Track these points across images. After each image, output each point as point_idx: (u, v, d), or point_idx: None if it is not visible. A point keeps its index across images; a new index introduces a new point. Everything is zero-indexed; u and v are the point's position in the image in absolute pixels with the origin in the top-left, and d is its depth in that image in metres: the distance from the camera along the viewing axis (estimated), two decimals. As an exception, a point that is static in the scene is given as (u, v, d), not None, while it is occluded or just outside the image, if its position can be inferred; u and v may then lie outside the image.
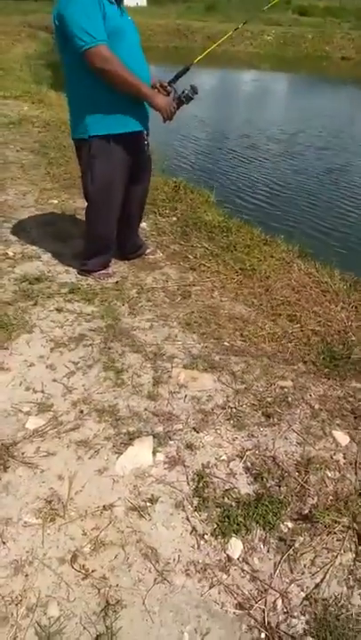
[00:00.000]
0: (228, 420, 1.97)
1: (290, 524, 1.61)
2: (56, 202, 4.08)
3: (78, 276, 2.97)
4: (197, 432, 1.90)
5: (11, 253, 3.17)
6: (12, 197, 4.08)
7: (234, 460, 1.82)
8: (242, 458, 1.82)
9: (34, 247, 3.28)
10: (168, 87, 2.54)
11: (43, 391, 2.07)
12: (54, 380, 2.14)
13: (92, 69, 2.23)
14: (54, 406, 2.00)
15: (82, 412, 1.97)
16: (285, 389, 2.15)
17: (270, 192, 6.13)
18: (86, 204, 2.82)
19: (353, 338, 2.55)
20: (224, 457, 1.82)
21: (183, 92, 2.52)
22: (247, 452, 1.84)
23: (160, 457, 1.80)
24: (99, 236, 2.87)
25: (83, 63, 2.23)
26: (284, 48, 23.36)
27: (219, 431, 1.92)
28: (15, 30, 19.98)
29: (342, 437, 1.95)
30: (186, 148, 7.70)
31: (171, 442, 1.86)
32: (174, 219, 3.93)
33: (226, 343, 2.43)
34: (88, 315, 2.60)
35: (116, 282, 2.93)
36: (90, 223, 2.84)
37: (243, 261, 3.24)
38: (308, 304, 2.85)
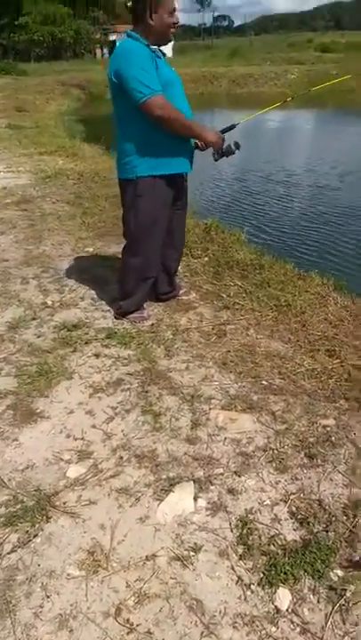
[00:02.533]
0: (269, 462, 1.93)
1: (340, 572, 1.54)
2: (92, 249, 4.22)
3: (115, 320, 3.04)
4: (239, 476, 1.87)
5: (50, 302, 3.29)
6: (49, 248, 4.25)
7: (278, 504, 1.77)
8: (286, 502, 1.77)
9: (71, 295, 3.39)
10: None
11: (83, 438, 2.10)
12: (94, 427, 2.16)
13: (151, 117, 2.42)
14: (94, 453, 2.01)
15: (121, 458, 1.98)
16: (328, 428, 2.10)
17: (302, 228, 6.15)
18: (124, 244, 2.93)
19: (396, 371, 2.47)
20: (268, 502, 1.77)
21: (228, 145, 2.70)
22: (291, 496, 1.79)
23: (202, 503, 1.77)
24: (136, 274, 2.92)
25: (137, 112, 2.43)
26: (309, 85, 23.72)
27: (261, 474, 1.87)
28: (49, 89, 21.30)
29: (392, 477, 1.87)
30: (215, 189, 7.87)
31: (212, 487, 1.83)
32: (206, 259, 3.99)
33: (264, 382, 2.41)
34: (125, 359, 2.64)
35: (152, 324, 2.98)
36: (128, 261, 2.92)
37: (277, 298, 3.24)
38: (346, 338, 2.80)
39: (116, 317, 3.05)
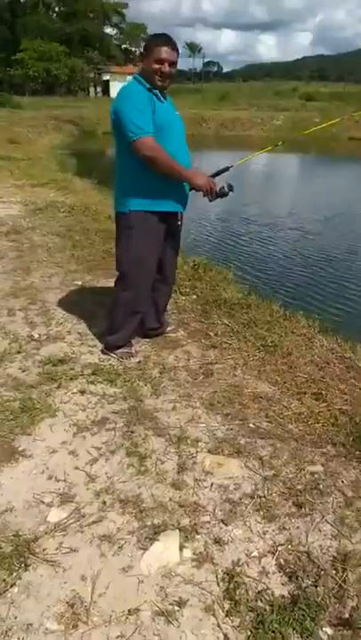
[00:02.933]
0: (257, 510, 1.87)
1: (329, 631, 1.48)
2: (80, 283, 4.20)
3: (102, 356, 2.99)
4: (226, 525, 1.81)
5: (36, 335, 3.23)
6: (38, 280, 4.22)
7: (265, 556, 1.71)
8: (274, 554, 1.71)
9: (58, 328, 3.34)
10: None
11: (65, 480, 2.02)
12: (77, 468, 2.09)
13: (139, 157, 2.47)
14: (77, 497, 1.94)
15: (105, 502, 1.90)
16: (316, 475, 2.06)
17: (286, 269, 6.27)
18: (115, 277, 2.93)
19: (382, 417, 2.46)
20: (255, 553, 1.71)
21: (222, 187, 2.72)
22: (279, 548, 1.73)
23: (187, 553, 1.70)
24: (125, 308, 2.91)
25: (131, 150, 2.48)
26: (293, 131, 24.60)
27: (248, 523, 1.82)
28: (42, 123, 21.69)
29: (380, 529, 1.83)
30: (202, 228, 7.98)
31: (198, 536, 1.76)
32: (194, 297, 4.00)
33: (251, 425, 2.37)
34: (111, 396, 2.58)
35: (139, 362, 2.94)
36: (118, 294, 2.91)
37: (264, 338, 3.24)
38: (333, 381, 2.79)
39: (103, 352, 3.01)
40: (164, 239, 2.83)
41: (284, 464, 2.12)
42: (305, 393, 2.66)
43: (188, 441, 2.24)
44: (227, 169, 2.90)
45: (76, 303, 3.75)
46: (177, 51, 2.54)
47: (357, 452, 2.21)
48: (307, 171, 19.22)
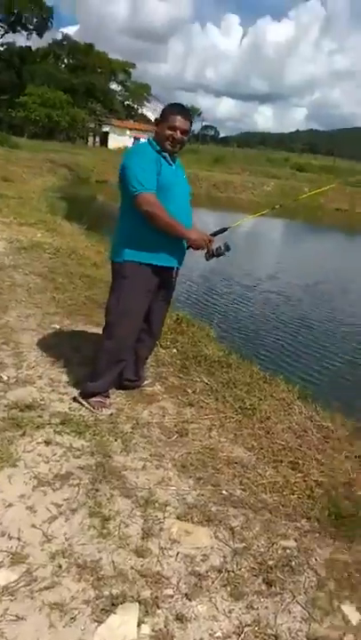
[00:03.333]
0: (224, 586, 1.77)
1: None
2: (58, 327, 4.15)
3: (72, 405, 2.91)
4: (190, 600, 1.70)
5: (5, 377, 3.14)
6: (13, 319, 4.16)
7: (230, 637, 1.60)
8: (240, 635, 1.61)
9: (29, 372, 3.26)
10: None
11: (19, 538, 1.90)
12: (33, 526, 1.97)
13: (139, 211, 2.59)
14: (30, 557, 1.81)
15: (60, 566, 1.78)
16: (288, 551, 1.98)
17: (268, 330, 6.34)
18: (97, 324, 2.90)
19: (359, 492, 2.41)
20: (219, 633, 1.61)
21: (218, 247, 2.83)
22: (246, 629, 1.63)
23: (146, 629, 1.58)
24: (107, 355, 2.88)
25: (133, 204, 2.60)
26: (282, 198, 25.65)
27: (214, 600, 1.72)
28: (38, 165, 22.21)
29: (353, 613, 1.75)
30: (187, 283, 8.08)
31: (159, 611, 1.65)
32: (175, 351, 3.98)
33: (224, 491, 2.29)
34: (78, 450, 2.48)
35: (111, 414, 2.86)
36: (103, 342, 2.90)
37: (242, 400, 3.21)
38: (310, 451, 2.75)
39: (75, 399, 2.94)
40: (157, 293, 2.87)
41: (256, 536, 2.04)
42: (281, 461, 2.60)
43: (157, 504, 2.15)
44: (224, 230, 3.02)
45: (51, 347, 3.69)
46: (190, 120, 2.73)
47: (332, 529, 2.15)
48: (293, 236, 19.94)
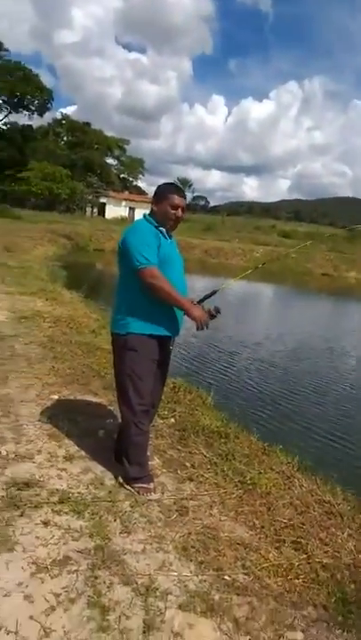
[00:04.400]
0: None
1: None
2: (57, 397, 4.09)
3: (70, 482, 2.81)
4: None
5: (4, 452, 3.05)
6: (13, 391, 4.10)
7: None
8: None
9: (28, 447, 3.16)
10: (197, 305, 2.87)
11: (17, 632, 1.77)
12: (31, 618, 1.84)
13: (144, 284, 2.64)
14: (26, 656, 1.68)
15: (58, 667, 1.65)
16: (296, 645, 1.84)
17: (265, 396, 6.27)
18: (119, 398, 2.90)
19: (365, 575, 2.29)
20: None
21: (209, 311, 2.84)
22: None
23: None
24: (135, 431, 2.80)
25: (135, 278, 2.66)
26: (270, 264, 26.51)
27: None
28: (39, 235, 22.76)
29: None
30: (183, 349, 8.07)
31: None
32: (172, 420, 3.90)
33: (227, 577, 2.17)
34: (76, 531, 2.36)
35: (109, 492, 2.75)
36: (128, 418, 2.82)
37: (242, 473, 3.11)
38: (312, 528, 2.64)
39: (120, 484, 2.83)
40: (158, 362, 2.86)
41: (262, 628, 1.91)
42: (284, 541, 2.49)
43: (158, 593, 2.02)
44: (214, 293, 3.06)
45: (50, 419, 3.61)
46: (185, 197, 2.85)
47: (340, 618, 2.02)
48: (283, 301, 20.24)
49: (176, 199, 2.74)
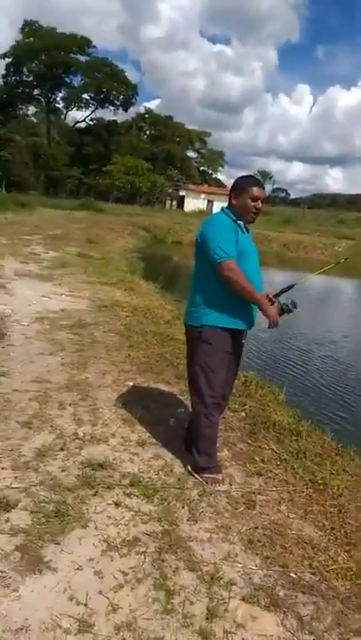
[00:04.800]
0: None
1: None
2: (131, 384, 4.22)
3: (141, 466, 2.90)
4: None
5: (81, 433, 3.21)
6: (92, 376, 4.29)
7: None
8: None
9: (103, 429, 3.31)
10: (273, 299, 2.88)
11: (86, 604, 1.87)
12: (100, 592, 1.94)
13: (221, 277, 2.66)
14: (95, 627, 1.78)
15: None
16: (363, 652, 1.79)
17: (341, 395, 6.05)
18: (191, 390, 2.95)
19: None
20: None
21: (286, 304, 2.85)
22: None
23: None
24: (206, 424, 2.85)
25: (211, 270, 2.69)
26: (354, 258, 25.38)
27: None
28: (120, 228, 23.47)
29: None
30: (255, 342, 7.97)
31: None
32: (243, 414, 3.89)
33: (293, 574, 2.14)
34: (146, 514, 2.45)
35: (178, 479, 2.80)
36: (199, 411, 2.87)
37: (313, 472, 3.04)
38: (386, 535, 2.53)
39: (189, 472, 2.88)
40: (231, 355, 2.87)
41: (327, 630, 1.87)
42: (355, 545, 2.41)
43: (222, 582, 2.04)
44: (291, 287, 3.03)
45: (125, 404, 3.74)
46: (264, 189, 2.84)
47: None
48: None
49: (255, 191, 2.73)
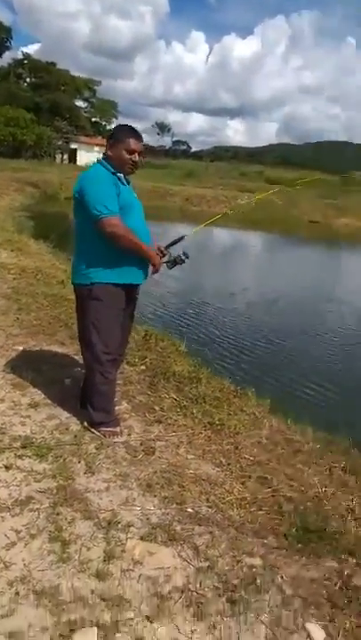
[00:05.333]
0: (187, 606, 1.78)
1: None
2: (21, 348, 4.13)
3: (33, 428, 2.90)
4: (151, 622, 1.70)
5: None
6: (-25, 342, 4.12)
7: (192, 660, 1.60)
8: (202, 657, 1.61)
9: (-10, 395, 3.23)
10: (165, 251, 3.01)
11: (-26, 567, 1.87)
12: (-10, 553, 1.95)
13: (104, 234, 2.63)
14: (-15, 587, 1.79)
15: (18, 593, 1.77)
16: (254, 569, 1.99)
17: (241, 344, 6.40)
18: (83, 348, 2.97)
19: (328, 506, 2.45)
20: (181, 656, 1.61)
21: (178, 255, 3.00)
22: (208, 650, 1.63)
23: (104, 655, 1.58)
24: (100, 380, 2.89)
25: (94, 226, 2.64)
26: (256, 211, 26.26)
27: (175, 621, 1.72)
28: (4, 184, 22.14)
29: (317, 632, 1.76)
30: (156, 297, 8.09)
31: (118, 634, 1.65)
32: (142, 367, 3.99)
33: (189, 509, 2.31)
34: (39, 473, 2.47)
35: (75, 436, 2.85)
36: (92, 366, 2.90)
37: (211, 415, 3.24)
38: (279, 465, 2.79)
39: (85, 427, 2.93)
40: (125, 309, 2.92)
41: (221, 555, 2.05)
42: (250, 477, 2.63)
43: (120, 526, 2.15)
44: (182, 238, 3.14)
45: (14, 369, 3.66)
46: (142, 141, 2.80)
47: (300, 545, 2.17)
48: (268, 248, 20.25)
49: (132, 143, 2.70)
